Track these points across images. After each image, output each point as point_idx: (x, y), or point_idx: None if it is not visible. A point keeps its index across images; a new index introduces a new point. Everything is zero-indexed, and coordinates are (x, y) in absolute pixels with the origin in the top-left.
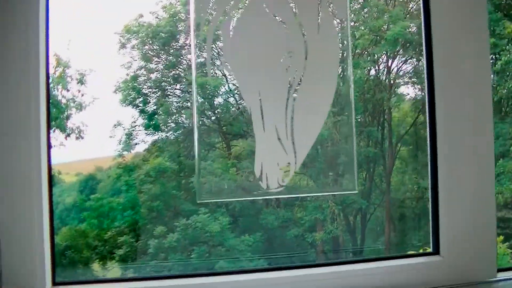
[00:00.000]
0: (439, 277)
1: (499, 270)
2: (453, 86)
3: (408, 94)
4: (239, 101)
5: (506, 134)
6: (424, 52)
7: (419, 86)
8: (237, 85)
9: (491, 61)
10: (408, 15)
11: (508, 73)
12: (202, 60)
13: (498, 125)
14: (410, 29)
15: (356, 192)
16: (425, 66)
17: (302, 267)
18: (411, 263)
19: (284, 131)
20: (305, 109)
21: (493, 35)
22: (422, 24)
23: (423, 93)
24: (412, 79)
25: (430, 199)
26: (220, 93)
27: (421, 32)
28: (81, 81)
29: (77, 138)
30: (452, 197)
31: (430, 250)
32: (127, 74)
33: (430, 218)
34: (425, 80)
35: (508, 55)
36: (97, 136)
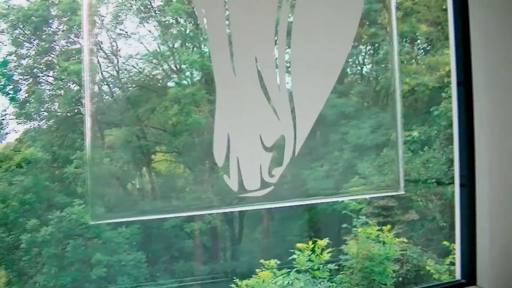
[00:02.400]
0: None
1: None
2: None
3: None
4: (113, 90)
5: (388, 124)
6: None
7: None
8: None
9: (372, 51)
10: None
11: (388, 63)
12: (78, 46)
13: (380, 114)
14: None
15: (403, 193)
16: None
17: None
18: None
19: (272, 74)
20: (312, 33)
21: (374, 25)
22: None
23: None
24: None
25: (458, 216)
26: (96, 81)
27: None
28: None
29: None
30: (495, 216)
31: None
32: None
33: (459, 238)
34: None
35: (388, 45)
36: None
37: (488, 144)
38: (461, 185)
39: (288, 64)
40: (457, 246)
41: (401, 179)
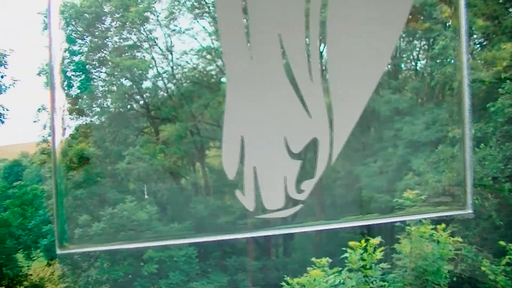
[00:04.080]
0: None
1: None
2: None
3: None
4: (167, 85)
5: (443, 120)
6: None
7: None
8: None
9: (426, 46)
10: None
11: (445, 58)
12: (130, 43)
13: (434, 110)
14: None
15: (471, 211)
16: None
17: None
18: None
19: (302, 58)
20: (351, 22)
21: (429, 20)
22: None
23: None
24: None
25: None
26: (149, 76)
27: None
28: (0, 62)
29: None
30: None
31: None
32: None
33: None
34: None
35: (445, 40)
36: (20, 120)
37: None
38: None
39: (322, 50)
40: None
41: (469, 195)
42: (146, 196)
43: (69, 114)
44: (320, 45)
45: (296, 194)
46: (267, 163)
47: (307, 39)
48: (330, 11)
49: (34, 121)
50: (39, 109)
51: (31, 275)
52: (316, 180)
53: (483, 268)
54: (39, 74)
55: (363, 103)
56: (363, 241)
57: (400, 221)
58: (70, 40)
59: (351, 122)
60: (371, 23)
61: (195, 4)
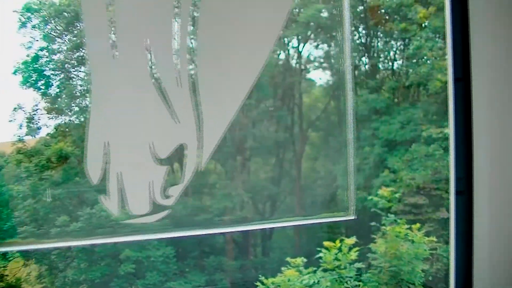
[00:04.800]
0: None
1: None
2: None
3: (321, 79)
4: None
5: (417, 119)
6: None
7: (329, 72)
8: None
9: (402, 46)
10: None
11: (420, 58)
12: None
13: (409, 110)
14: (322, 13)
15: (354, 217)
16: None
17: None
18: None
19: (168, 61)
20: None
21: (405, 20)
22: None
23: (334, 79)
24: (323, 65)
25: (453, 222)
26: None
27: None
28: None
29: None
30: (495, 219)
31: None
32: (28, 55)
33: (453, 244)
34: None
35: (420, 40)
36: None
37: (487, 145)
38: (458, 193)
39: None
40: (453, 262)
41: (351, 202)
42: (48, 199)
43: (48, 113)
44: (190, 50)
45: (162, 199)
46: (133, 169)
47: (175, 43)
48: (201, 16)
49: (9, 121)
50: (15, 108)
51: (7, 275)
52: (184, 186)
53: None
54: (14, 72)
55: (234, 107)
56: (338, 241)
57: (375, 223)
58: (49, 39)
59: (222, 126)
60: (244, 28)
61: (174, 3)
